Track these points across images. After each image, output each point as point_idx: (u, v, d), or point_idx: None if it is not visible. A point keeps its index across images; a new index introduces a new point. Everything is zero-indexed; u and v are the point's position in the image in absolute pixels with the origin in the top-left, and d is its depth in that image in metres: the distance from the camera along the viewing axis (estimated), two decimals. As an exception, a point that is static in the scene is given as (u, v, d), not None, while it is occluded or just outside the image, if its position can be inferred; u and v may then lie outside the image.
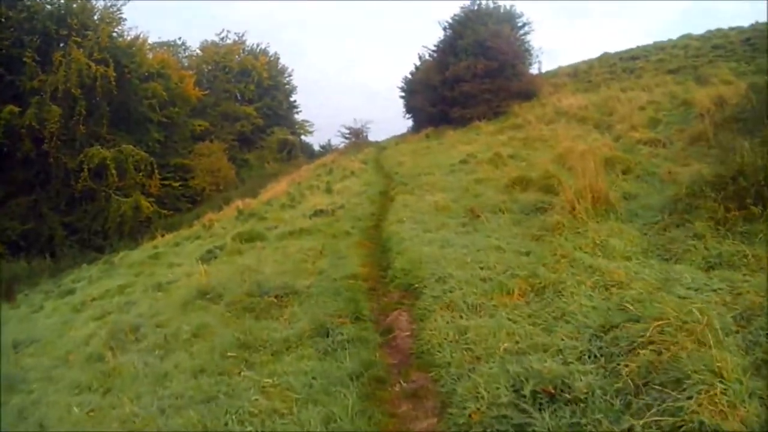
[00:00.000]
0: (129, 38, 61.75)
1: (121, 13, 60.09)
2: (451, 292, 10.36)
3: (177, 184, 63.67)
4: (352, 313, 10.89)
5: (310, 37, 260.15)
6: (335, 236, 18.69)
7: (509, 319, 8.74)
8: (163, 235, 39.40)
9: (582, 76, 51.48)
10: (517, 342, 7.94)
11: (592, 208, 13.02)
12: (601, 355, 7.09)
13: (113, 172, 52.19)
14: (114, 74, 53.33)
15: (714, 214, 10.68)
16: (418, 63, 59.66)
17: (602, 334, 7.56)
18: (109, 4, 59.29)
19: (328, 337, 9.95)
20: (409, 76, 60.49)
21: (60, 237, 50.53)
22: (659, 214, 12.47)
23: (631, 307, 7.82)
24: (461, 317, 9.27)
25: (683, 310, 7.12)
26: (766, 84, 19.75)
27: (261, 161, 77.64)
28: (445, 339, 8.68)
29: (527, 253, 11.79)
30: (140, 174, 54.83)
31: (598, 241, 11.35)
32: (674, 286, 8.57)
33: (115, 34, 59.16)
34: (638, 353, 6.70)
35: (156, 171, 56.61)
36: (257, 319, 11.61)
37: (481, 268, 11.24)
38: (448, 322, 9.15)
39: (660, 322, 6.98)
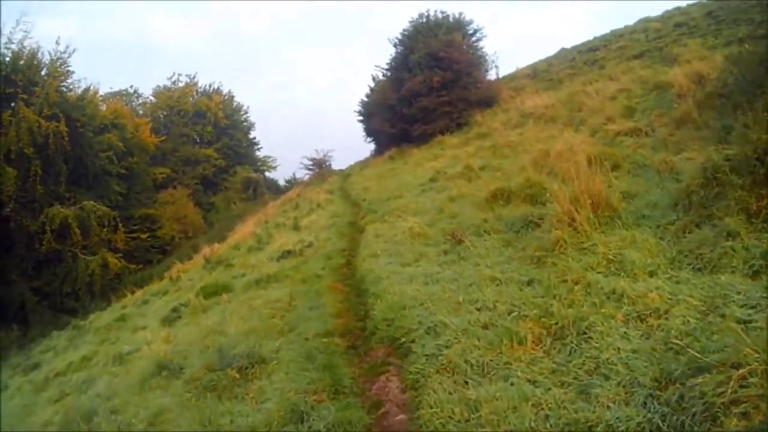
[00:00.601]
0: (79, 91, 59.03)
1: (68, 66, 57.32)
2: (447, 347, 8.33)
3: (145, 236, 61.19)
4: (330, 385, 8.82)
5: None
6: (305, 281, 16.70)
7: (529, 381, 6.73)
8: (133, 292, 37.22)
9: (542, 74, 49.30)
10: (548, 416, 5.96)
11: (593, 216, 10.91)
12: (670, 428, 5.11)
13: (76, 230, 49.73)
14: (66, 129, 50.96)
15: (745, 205, 8.74)
16: (372, 84, 57.78)
17: (660, 393, 5.63)
18: (55, 57, 56.52)
19: (303, 423, 7.86)
20: (365, 99, 58.56)
21: (31, 303, 47.67)
22: (671, 212, 10.52)
23: (682, 344, 6.04)
24: (466, 383, 7.20)
25: (760, 345, 5.26)
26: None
27: (227, 203, 75.51)
28: (451, 418, 6.63)
29: (530, 283, 9.78)
30: (104, 230, 52.45)
31: (610, 256, 9.36)
32: (727, 306, 6.71)
33: (64, 88, 56.46)
34: (721, 421, 4.84)
35: (120, 225, 54.25)
36: (220, 399, 9.61)
37: (479, 310, 9.25)
38: (450, 393, 7.09)
39: (741, 371, 5.06)
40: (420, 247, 15.33)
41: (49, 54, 56.28)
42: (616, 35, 49.00)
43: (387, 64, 52.71)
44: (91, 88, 61.50)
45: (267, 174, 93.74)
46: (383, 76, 54.39)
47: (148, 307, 27.42)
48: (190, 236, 63.94)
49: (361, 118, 59.29)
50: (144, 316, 25.00)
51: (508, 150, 26.73)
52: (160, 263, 54.49)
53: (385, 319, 10.75)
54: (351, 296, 14.49)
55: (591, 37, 54.67)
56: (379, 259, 15.57)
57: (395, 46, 51.26)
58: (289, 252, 21.80)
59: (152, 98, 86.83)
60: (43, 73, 55.37)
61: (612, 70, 34.90)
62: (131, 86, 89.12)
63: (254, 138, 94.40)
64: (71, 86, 58.25)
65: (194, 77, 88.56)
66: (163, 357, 12.86)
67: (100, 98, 66.74)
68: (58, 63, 56.38)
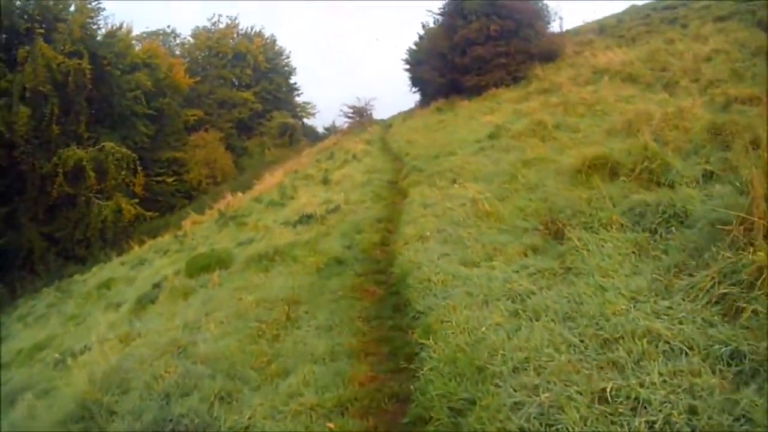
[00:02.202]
0: (110, 28, 56.56)
1: (99, 3, 54.57)
2: None
3: (171, 180, 58.88)
4: None
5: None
6: (320, 269, 11.88)
7: None
8: (142, 243, 34.22)
9: (611, 31, 44.30)
10: None
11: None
12: None
13: (91, 173, 46.84)
14: (89, 67, 47.70)
15: None
16: (422, 32, 52.97)
17: None
18: (85, -8, 53.49)
19: None
20: (414, 47, 53.95)
21: (40, 249, 44.67)
22: None
23: None
24: None
25: None
26: None
27: (261, 148, 72.09)
28: None
29: (733, 356, 4.87)
30: (123, 173, 49.37)
31: None
32: None
33: (93, 25, 53.79)
34: None
35: (139, 169, 51.05)
36: None
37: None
38: None
39: None
40: (491, 234, 10.32)
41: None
42: (696, -6, 43.63)
43: (439, 9, 47.72)
44: (124, 26, 59.58)
45: (305, 120, 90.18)
46: (434, 23, 49.79)
47: (141, 270, 24.04)
48: (218, 181, 61.16)
49: (407, 66, 54.68)
50: (131, 282, 21.40)
51: (582, 108, 22.30)
52: (183, 208, 51.61)
53: (446, 396, 5.60)
54: (385, 310, 9.48)
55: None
56: (428, 245, 10.73)
57: (451, -9, 46.40)
58: (309, 216, 17.33)
59: (190, 39, 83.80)
60: (72, 9, 52.93)
61: (696, 30, 30.77)
62: (168, 26, 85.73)
63: (295, 83, 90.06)
64: (98, 23, 55.91)
65: (235, 18, 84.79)
66: (89, 393, 8.45)
67: (135, 38, 65.09)
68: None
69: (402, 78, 53.94)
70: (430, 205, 13.76)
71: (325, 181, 25.57)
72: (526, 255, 8.80)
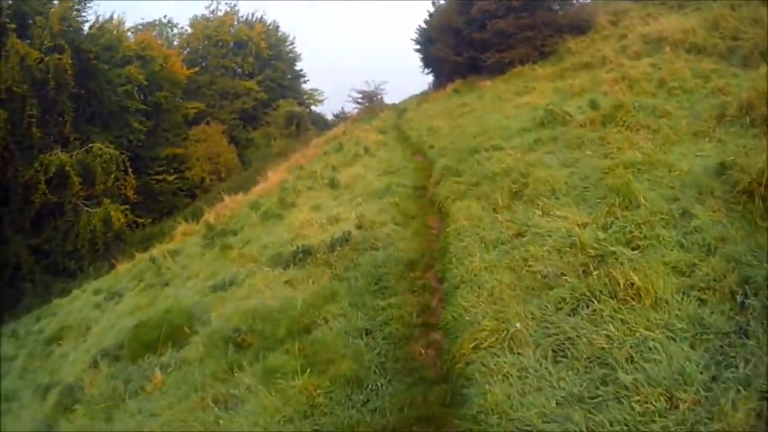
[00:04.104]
0: (100, 21, 51.60)
1: None
2: None
3: (172, 178, 53.94)
4: None
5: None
6: (315, 407, 6.34)
7: None
8: (132, 258, 28.79)
9: (651, -3, 38.53)
10: None
11: None
12: None
13: (75, 179, 41.50)
14: (70, 62, 42.56)
15: None
16: (431, 9, 47.96)
17: None
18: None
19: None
20: (424, 26, 48.46)
21: (27, 264, 39.82)
22: None
23: None
24: None
25: None
26: None
27: (267, 139, 67.59)
28: None
29: None
30: (111, 176, 44.17)
31: None
32: None
33: (78, 18, 48.34)
34: None
35: (130, 170, 45.65)
36: None
37: None
38: None
39: None
40: (661, 344, 5.05)
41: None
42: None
43: (454, -18, 43.43)
44: (114, 17, 55.06)
45: (314, 108, 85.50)
46: (447, -3, 45.30)
47: (107, 310, 18.89)
48: (222, 177, 56.63)
49: (418, 46, 49.52)
50: (84, 336, 16.26)
51: (649, 85, 17.53)
52: (186, 208, 46.79)
53: None
54: None
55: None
56: (525, 362, 5.75)
57: (465, -39, 41.45)
58: (308, 252, 11.89)
59: (188, 29, 79.43)
60: (55, 1, 47.65)
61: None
62: (165, 16, 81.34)
63: (301, 70, 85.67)
64: (86, 16, 50.42)
65: (235, 5, 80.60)
66: None
67: (129, 30, 60.80)
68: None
69: (411, 59, 48.72)
70: (494, 244, 8.63)
71: (333, 184, 20.74)
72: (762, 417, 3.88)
